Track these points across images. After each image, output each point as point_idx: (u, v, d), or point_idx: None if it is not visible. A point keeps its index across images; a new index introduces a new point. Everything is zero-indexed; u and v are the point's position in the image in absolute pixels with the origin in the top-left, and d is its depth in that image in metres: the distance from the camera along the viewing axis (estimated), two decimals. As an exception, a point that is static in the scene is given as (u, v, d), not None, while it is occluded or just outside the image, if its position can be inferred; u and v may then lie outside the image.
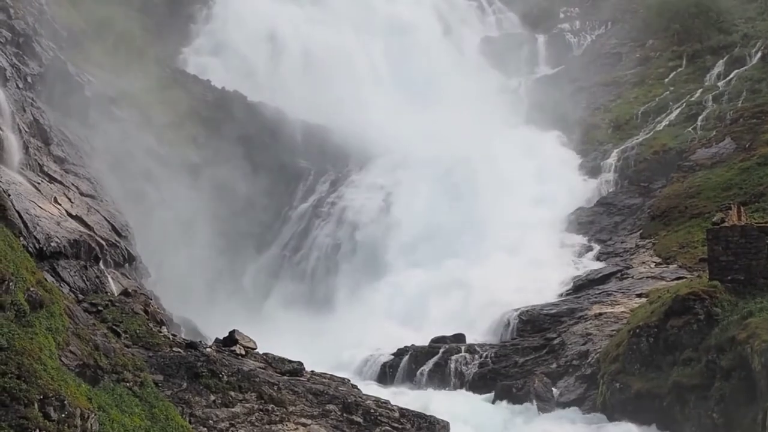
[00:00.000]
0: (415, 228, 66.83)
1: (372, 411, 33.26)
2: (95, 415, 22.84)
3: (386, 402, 34.56)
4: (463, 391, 47.82)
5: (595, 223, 64.30)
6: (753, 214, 51.20)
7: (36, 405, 20.83)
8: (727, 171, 61.07)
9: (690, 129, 68.26)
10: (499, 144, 71.38)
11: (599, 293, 53.28)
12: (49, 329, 24.40)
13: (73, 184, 49.46)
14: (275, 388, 32.23)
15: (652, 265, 55.13)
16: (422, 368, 49.70)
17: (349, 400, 33.29)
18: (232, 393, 30.93)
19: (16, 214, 39.43)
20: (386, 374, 50.51)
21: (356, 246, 67.94)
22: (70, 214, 45.85)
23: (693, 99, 72.73)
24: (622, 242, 60.55)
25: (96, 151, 58.12)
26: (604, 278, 55.45)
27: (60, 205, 45.91)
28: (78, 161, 53.03)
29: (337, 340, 54.27)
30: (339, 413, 32.64)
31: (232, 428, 30.09)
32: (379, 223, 68.57)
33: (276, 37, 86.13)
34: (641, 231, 60.64)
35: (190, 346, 34.13)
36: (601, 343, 46.49)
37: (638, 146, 69.41)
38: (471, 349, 50.40)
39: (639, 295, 50.43)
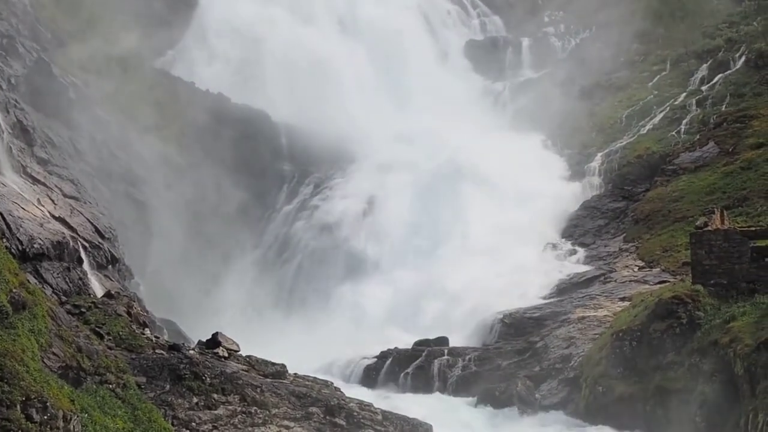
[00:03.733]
0: (399, 231, 66.84)
1: (355, 414, 33.26)
2: (78, 416, 22.78)
3: (369, 405, 34.57)
4: (446, 394, 47.87)
5: (579, 226, 64.29)
6: (736, 218, 51.45)
7: (18, 407, 20.76)
8: (711, 175, 61.17)
9: (674, 133, 68.32)
10: (483, 147, 71.28)
11: (582, 297, 53.27)
12: (32, 331, 24.34)
13: (56, 186, 49.37)
14: (258, 390, 32.20)
15: (636, 269, 55.17)
16: (405, 371, 49.74)
17: (332, 403, 33.29)
18: (215, 395, 30.90)
19: (-1, 216, 39.37)
20: (370, 377, 50.52)
21: (339, 249, 67.74)
22: (53, 216, 45.77)
23: (677, 103, 72.77)
24: (605, 246, 60.57)
25: (80, 153, 58.02)
26: (588, 282, 55.42)
27: (43, 206, 45.83)
28: (62, 163, 52.93)
29: (321, 342, 54.19)
30: (322, 416, 32.62)
31: (214, 430, 30.05)
32: (362, 227, 68.46)
33: (260, 41, 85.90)
34: (625, 234, 60.69)
35: (173, 348, 34.09)
36: (584, 347, 46.54)
37: (622, 150, 69.39)
38: (454, 353, 50.42)
39: (622, 299, 50.46)
